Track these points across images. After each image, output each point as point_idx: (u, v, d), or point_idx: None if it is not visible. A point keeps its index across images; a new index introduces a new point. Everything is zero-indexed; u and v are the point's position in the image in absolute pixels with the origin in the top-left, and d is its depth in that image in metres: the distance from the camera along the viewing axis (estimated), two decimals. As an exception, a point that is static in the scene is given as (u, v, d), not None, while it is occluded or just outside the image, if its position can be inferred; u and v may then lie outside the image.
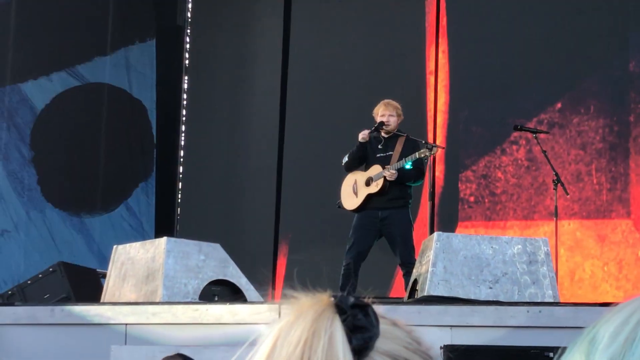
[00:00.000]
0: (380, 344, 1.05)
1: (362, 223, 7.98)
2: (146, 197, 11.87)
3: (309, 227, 11.03)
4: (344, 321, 1.04)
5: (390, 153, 7.98)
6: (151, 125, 12.08)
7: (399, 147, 7.98)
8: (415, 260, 7.63)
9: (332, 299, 1.07)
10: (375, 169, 7.98)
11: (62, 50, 11.53)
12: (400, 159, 7.91)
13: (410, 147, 7.97)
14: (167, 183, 12.13)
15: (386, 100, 8.13)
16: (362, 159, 8.14)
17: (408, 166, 7.81)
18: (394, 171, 7.76)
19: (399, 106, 8.09)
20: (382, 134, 8.06)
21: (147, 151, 12.03)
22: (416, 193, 8.47)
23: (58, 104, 11.42)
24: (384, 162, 7.96)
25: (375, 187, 7.92)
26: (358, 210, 8.03)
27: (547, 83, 10.23)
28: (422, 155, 7.73)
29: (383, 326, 1.06)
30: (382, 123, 8.03)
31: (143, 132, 12.03)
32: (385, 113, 8.01)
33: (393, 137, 8.03)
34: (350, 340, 1.03)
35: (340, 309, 1.05)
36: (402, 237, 7.86)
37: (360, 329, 1.04)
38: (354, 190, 8.07)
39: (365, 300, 1.07)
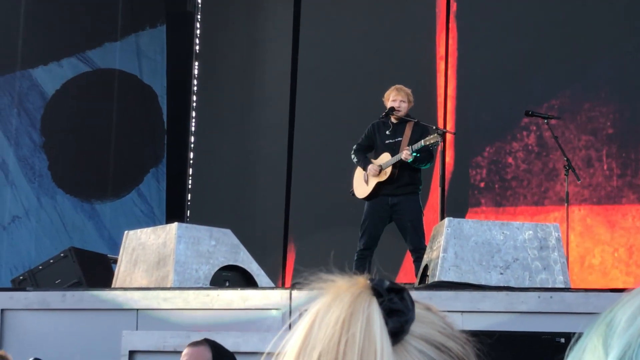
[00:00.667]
0: (416, 327, 1.06)
1: (373, 210, 8.00)
2: (157, 182, 11.89)
3: (320, 213, 11.04)
4: (380, 304, 1.05)
5: (399, 139, 7.97)
6: (162, 111, 12.08)
7: (407, 132, 7.97)
8: (425, 246, 7.64)
9: (369, 281, 1.08)
10: (385, 157, 7.97)
11: (73, 36, 11.54)
12: (409, 144, 7.89)
13: (419, 132, 7.96)
14: (178, 169, 12.14)
15: (398, 86, 8.10)
16: (370, 149, 8.14)
17: (414, 154, 7.80)
18: (409, 151, 7.74)
19: (410, 92, 8.07)
20: (392, 119, 8.05)
21: (157, 137, 12.04)
22: (426, 179, 8.46)
23: (68, 89, 11.43)
24: (393, 149, 7.96)
25: (384, 176, 7.94)
26: (369, 198, 8.05)
27: (558, 68, 10.20)
28: (429, 143, 7.72)
29: (418, 311, 1.07)
30: (392, 109, 8.02)
31: (153, 118, 12.04)
32: (397, 98, 8.00)
33: (402, 123, 8.02)
34: (386, 323, 1.04)
35: (377, 292, 1.06)
36: (412, 223, 7.87)
37: (397, 312, 1.05)
38: (365, 178, 8.09)
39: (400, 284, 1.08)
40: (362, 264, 7.80)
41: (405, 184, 7.91)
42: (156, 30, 12.17)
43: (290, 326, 1.09)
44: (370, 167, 8.00)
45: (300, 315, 1.08)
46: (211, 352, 4.41)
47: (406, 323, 1.05)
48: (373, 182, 7.99)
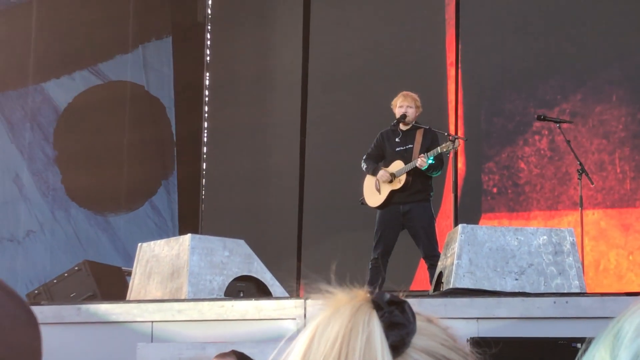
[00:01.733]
0: (417, 340, 1.05)
1: (385, 219, 7.99)
2: (168, 194, 11.90)
3: (332, 221, 11.02)
4: (381, 317, 1.04)
5: (410, 146, 7.96)
6: (170, 123, 12.09)
7: (418, 139, 7.96)
8: (438, 253, 7.63)
9: (369, 294, 1.07)
10: (397, 165, 7.96)
11: (84, 49, 11.58)
12: (421, 151, 7.89)
13: (430, 139, 7.95)
14: (190, 180, 12.14)
15: (404, 92, 8.10)
16: (379, 158, 8.13)
17: (430, 161, 7.79)
18: (424, 157, 7.74)
19: (417, 97, 8.06)
20: (401, 126, 8.04)
21: (167, 149, 12.05)
22: (439, 185, 8.45)
23: (80, 102, 11.47)
24: (405, 156, 7.95)
25: (398, 184, 7.92)
26: (381, 207, 8.03)
27: (569, 72, 10.17)
28: (445, 150, 7.71)
29: (419, 323, 1.06)
30: (404, 116, 8.02)
31: (162, 130, 12.05)
32: (404, 104, 7.99)
33: (412, 130, 8.01)
34: (387, 337, 1.03)
35: (377, 305, 1.06)
36: (425, 231, 7.85)
37: (397, 326, 1.04)
38: (377, 187, 8.07)
39: (401, 296, 1.07)
40: (376, 273, 7.79)
41: (416, 192, 7.90)
42: (162, 42, 12.19)
43: (291, 338, 1.08)
44: (381, 172, 7.98)
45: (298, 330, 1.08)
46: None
47: (407, 336, 1.04)
48: (386, 190, 7.98)
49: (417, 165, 7.76)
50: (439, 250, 7.80)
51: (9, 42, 11.20)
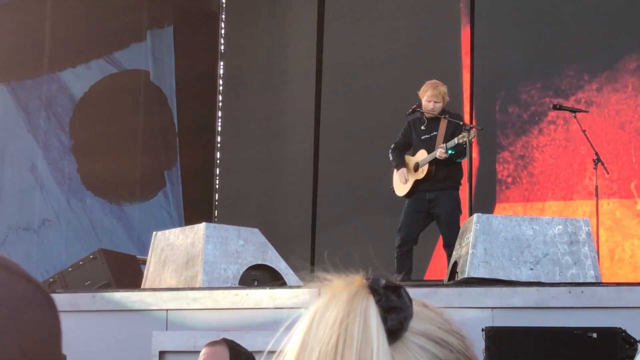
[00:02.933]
0: (415, 324, 1.06)
1: (411, 206, 8.02)
2: (172, 185, 11.90)
3: (347, 209, 11.03)
4: (378, 302, 1.05)
5: (434, 133, 7.98)
6: (172, 112, 12.07)
7: (442, 127, 7.97)
8: None
9: (365, 280, 1.08)
10: (421, 154, 7.98)
11: (100, 38, 11.59)
12: (445, 138, 7.89)
13: (453, 127, 7.95)
14: (196, 169, 12.12)
15: (433, 83, 8.03)
16: (407, 146, 8.15)
17: (450, 152, 7.80)
18: (443, 150, 7.75)
19: (445, 90, 8.03)
20: (425, 115, 8.05)
21: (170, 140, 12.02)
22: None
23: (96, 91, 11.48)
24: (429, 144, 7.96)
25: (421, 173, 7.94)
26: (408, 195, 8.06)
27: (584, 61, 10.13)
28: (461, 141, 7.71)
29: (415, 307, 1.07)
30: (419, 105, 8.02)
31: (165, 119, 12.03)
32: (432, 99, 7.97)
33: (436, 118, 8.02)
34: (385, 321, 1.04)
35: (374, 290, 1.06)
36: (446, 218, 7.86)
37: (395, 310, 1.05)
38: (405, 176, 8.09)
39: (396, 281, 1.08)
40: (402, 261, 7.81)
41: (442, 179, 7.91)
42: (164, 31, 12.16)
43: (291, 325, 1.09)
44: (402, 171, 8.00)
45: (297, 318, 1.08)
46: (229, 352, 4.40)
47: (405, 320, 1.05)
48: (411, 180, 8.01)
49: (437, 156, 7.78)
50: None
51: (25, 31, 11.22)
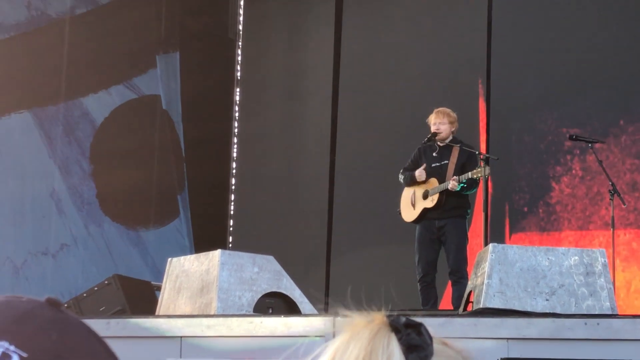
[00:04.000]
0: None
1: (422, 236, 8.03)
2: (183, 210, 11.92)
3: (363, 235, 11.01)
4: (399, 340, 1.05)
5: (445, 162, 7.98)
6: (179, 137, 12.10)
7: (454, 156, 7.97)
8: (463, 272, 7.67)
9: (386, 318, 1.07)
10: (432, 183, 7.98)
11: (120, 63, 11.67)
12: (456, 168, 7.89)
13: (465, 156, 7.95)
14: (219, 195, 12.15)
15: (439, 109, 8.12)
16: (416, 169, 8.17)
17: (462, 185, 7.81)
18: (456, 183, 7.77)
19: (451, 114, 8.05)
20: (437, 142, 8.06)
21: (178, 165, 12.04)
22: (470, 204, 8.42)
23: (116, 117, 11.55)
24: (440, 172, 7.96)
25: (430, 202, 7.95)
26: (415, 221, 8.06)
27: (601, 91, 10.12)
28: (475, 177, 7.73)
29: (435, 345, 1.07)
30: (435, 134, 8.04)
31: (174, 144, 12.06)
32: (436, 121, 8.02)
33: (448, 146, 8.02)
34: (407, 359, 1.03)
35: (395, 328, 1.06)
36: (454, 247, 7.88)
37: (416, 348, 1.05)
38: (412, 201, 8.10)
39: (417, 320, 1.08)
40: (427, 292, 7.82)
41: (452, 208, 7.93)
42: (169, 57, 12.21)
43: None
44: (418, 171, 8.00)
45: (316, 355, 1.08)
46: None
47: (426, 358, 1.05)
48: (420, 207, 8.01)
49: (449, 188, 7.79)
50: (467, 269, 7.81)
51: (49, 58, 11.32)
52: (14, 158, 11.01)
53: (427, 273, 7.88)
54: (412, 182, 8.10)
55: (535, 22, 10.63)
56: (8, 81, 11.10)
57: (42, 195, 11.04)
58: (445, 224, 7.91)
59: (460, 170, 7.92)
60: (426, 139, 8.09)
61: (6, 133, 11.03)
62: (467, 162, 7.91)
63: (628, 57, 10.04)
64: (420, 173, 8.02)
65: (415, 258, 7.99)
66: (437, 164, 8.02)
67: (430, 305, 7.79)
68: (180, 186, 11.97)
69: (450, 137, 8.07)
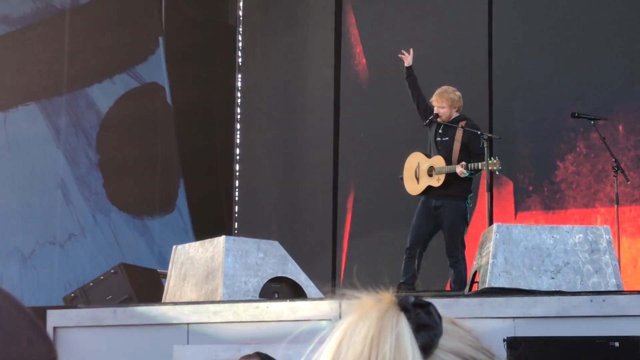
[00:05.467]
0: (445, 341, 1.06)
1: (420, 209, 8.08)
2: (187, 197, 11.93)
3: (367, 220, 11.02)
4: (408, 319, 1.05)
5: (447, 139, 8.00)
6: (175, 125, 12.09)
7: (458, 135, 7.97)
8: (458, 254, 7.69)
9: (395, 297, 1.07)
10: (437, 160, 7.97)
11: (122, 52, 11.66)
12: (461, 147, 7.90)
13: (467, 136, 7.95)
14: (223, 182, 12.15)
15: (440, 90, 8.11)
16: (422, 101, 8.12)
17: (467, 174, 7.84)
18: (464, 170, 7.80)
19: (452, 96, 8.04)
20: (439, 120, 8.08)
21: (182, 152, 12.03)
22: (474, 184, 8.42)
23: (120, 106, 11.55)
24: (445, 148, 7.97)
25: (436, 182, 7.96)
26: (418, 194, 8.11)
27: (604, 68, 10.08)
28: (483, 168, 7.75)
29: (445, 325, 1.07)
30: (437, 115, 8.05)
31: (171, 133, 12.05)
32: (436, 104, 8.04)
33: (452, 125, 8.03)
34: (416, 338, 1.04)
35: (404, 307, 1.06)
36: (449, 228, 7.90)
37: (425, 327, 1.05)
38: (416, 174, 8.10)
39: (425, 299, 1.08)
40: (408, 265, 7.81)
41: (452, 188, 7.93)
42: (176, 44, 12.15)
43: (320, 341, 1.09)
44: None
45: (325, 335, 1.08)
46: (263, 365, 4.41)
47: (435, 337, 1.05)
48: (425, 183, 8.03)
49: (457, 173, 7.81)
50: (464, 253, 7.84)
51: (53, 49, 11.33)
52: (22, 149, 11.04)
53: (413, 246, 7.88)
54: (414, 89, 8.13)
55: (537, 2, 10.59)
56: (15, 74, 11.12)
57: (49, 186, 11.07)
58: (442, 205, 7.93)
59: (464, 149, 7.92)
60: (427, 120, 8.09)
61: (14, 125, 11.06)
62: (469, 142, 7.91)
63: (631, 33, 10.00)
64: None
65: (410, 228, 8.03)
66: (440, 139, 8.03)
67: (407, 279, 7.76)
68: (186, 174, 11.98)
69: (453, 117, 8.06)
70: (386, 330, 1.03)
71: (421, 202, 8.10)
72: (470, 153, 7.93)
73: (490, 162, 7.72)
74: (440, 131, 8.06)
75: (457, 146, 7.93)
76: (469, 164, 7.81)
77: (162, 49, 11.92)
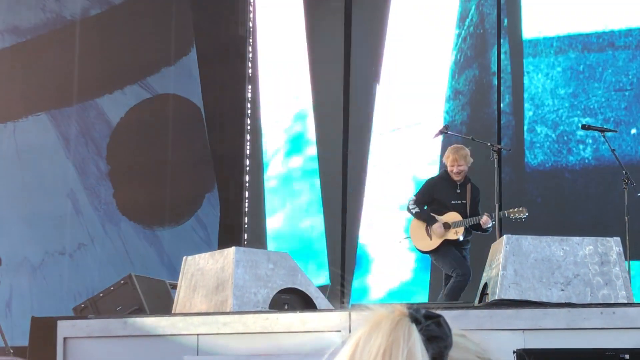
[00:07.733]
0: (454, 353, 1.08)
1: (443, 251, 8.05)
2: (212, 208, 11.95)
3: (375, 231, 11.03)
4: (420, 331, 1.06)
5: (464, 201, 8.01)
6: (205, 135, 12.13)
7: (469, 194, 8.01)
8: (459, 273, 7.72)
9: (406, 309, 1.09)
10: (453, 216, 7.95)
11: (134, 63, 11.70)
12: (471, 205, 7.91)
13: (475, 192, 8.03)
14: (233, 193, 12.17)
15: (456, 149, 8.03)
16: (427, 205, 8.13)
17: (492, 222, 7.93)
18: (489, 219, 7.86)
19: (468, 156, 8.02)
20: (453, 178, 8.04)
21: (206, 161, 12.09)
22: (483, 196, 8.42)
23: (131, 116, 11.58)
24: (460, 210, 7.97)
25: (454, 235, 7.95)
26: (432, 252, 8.08)
27: (613, 80, 10.09)
28: (514, 217, 7.83)
29: (454, 337, 1.09)
30: (446, 126, 8.06)
31: (202, 141, 12.10)
32: (454, 164, 7.96)
33: (465, 182, 8.05)
34: (427, 350, 1.05)
35: (415, 319, 1.08)
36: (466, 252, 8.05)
37: (436, 339, 1.07)
38: (428, 233, 8.04)
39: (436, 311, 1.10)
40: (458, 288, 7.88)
41: (467, 242, 8.03)
42: (189, 56, 12.21)
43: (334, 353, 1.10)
44: (435, 226, 7.96)
45: (338, 346, 1.10)
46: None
47: (445, 349, 1.07)
48: (439, 239, 7.98)
49: (481, 223, 7.83)
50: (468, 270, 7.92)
51: (64, 60, 11.37)
52: (32, 159, 11.07)
53: (464, 273, 7.94)
54: (422, 222, 8.06)
55: (543, 14, 10.60)
56: (25, 84, 11.17)
57: (59, 196, 11.11)
58: (463, 243, 8.07)
59: (474, 207, 7.99)
60: (438, 132, 8.09)
61: (24, 135, 11.10)
62: (477, 199, 8.02)
63: (637, 46, 10.00)
64: (439, 231, 7.98)
65: (449, 271, 7.99)
66: (457, 202, 8.02)
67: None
68: (210, 183, 12.02)
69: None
70: (399, 342, 1.05)
71: (441, 245, 8.06)
72: (475, 207, 8.01)
73: (517, 210, 7.80)
74: (458, 191, 8.03)
75: (469, 206, 8.00)
76: (497, 213, 7.87)
77: (187, 58, 11.97)
